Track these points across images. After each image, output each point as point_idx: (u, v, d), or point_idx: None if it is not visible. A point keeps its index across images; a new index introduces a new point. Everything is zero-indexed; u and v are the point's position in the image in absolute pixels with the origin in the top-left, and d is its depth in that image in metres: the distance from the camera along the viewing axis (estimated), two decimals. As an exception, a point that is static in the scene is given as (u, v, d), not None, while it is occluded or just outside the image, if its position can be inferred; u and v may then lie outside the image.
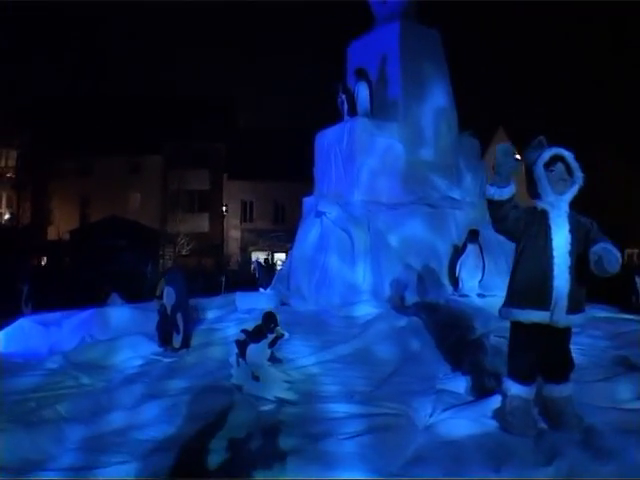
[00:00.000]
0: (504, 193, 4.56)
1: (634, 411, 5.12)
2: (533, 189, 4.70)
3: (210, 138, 40.49)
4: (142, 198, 41.44)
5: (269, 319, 5.73)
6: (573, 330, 7.33)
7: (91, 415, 5.24)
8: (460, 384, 5.77)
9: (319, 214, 10.92)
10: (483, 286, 10.00)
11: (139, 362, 7.48)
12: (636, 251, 34.61)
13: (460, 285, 10.13)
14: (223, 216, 40.18)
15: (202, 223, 41.57)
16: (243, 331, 5.80)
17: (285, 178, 36.88)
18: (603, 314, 9.83)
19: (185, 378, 6.28)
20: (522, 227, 4.66)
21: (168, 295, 8.06)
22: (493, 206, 4.67)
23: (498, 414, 4.85)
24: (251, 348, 5.52)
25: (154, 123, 39.54)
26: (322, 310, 9.62)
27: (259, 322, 5.80)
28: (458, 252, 10.32)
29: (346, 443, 4.14)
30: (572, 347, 6.80)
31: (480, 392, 5.44)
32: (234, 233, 42.01)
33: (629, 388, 5.60)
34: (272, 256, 36.13)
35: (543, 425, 4.75)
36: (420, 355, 6.82)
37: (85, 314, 9.57)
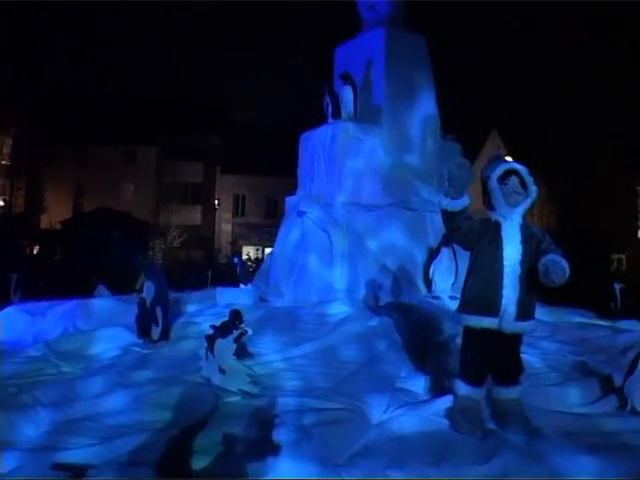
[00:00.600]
0: (457, 205, 4.77)
1: (580, 415, 5.38)
2: (487, 201, 4.96)
3: (205, 131, 40.60)
4: (135, 188, 41.50)
5: (235, 316, 6.04)
6: (539, 335, 7.64)
7: (66, 400, 5.50)
8: (420, 384, 5.96)
9: (300, 214, 11.13)
10: (455, 288, 9.98)
11: (117, 352, 7.74)
12: (623, 256, 34.76)
13: (433, 287, 10.32)
14: (215, 209, 40.33)
15: (194, 216, 41.62)
16: (212, 327, 6.08)
17: (278, 173, 36.57)
18: (577, 319, 10.09)
19: (157, 369, 6.54)
20: (475, 237, 4.89)
21: (148, 289, 8.31)
22: (446, 217, 4.89)
23: (449, 413, 5.09)
24: (218, 343, 5.81)
25: (151, 114, 39.62)
26: (298, 307, 9.85)
27: (226, 319, 6.11)
28: (432, 255, 10.54)
29: (295, 433, 4.35)
30: (534, 351, 7.11)
31: (438, 392, 5.60)
32: (226, 227, 42.10)
33: (580, 393, 5.84)
34: (262, 251, 36.33)
35: (492, 425, 4.95)
36: (385, 354, 7.00)
37: (69, 304, 9.83)
